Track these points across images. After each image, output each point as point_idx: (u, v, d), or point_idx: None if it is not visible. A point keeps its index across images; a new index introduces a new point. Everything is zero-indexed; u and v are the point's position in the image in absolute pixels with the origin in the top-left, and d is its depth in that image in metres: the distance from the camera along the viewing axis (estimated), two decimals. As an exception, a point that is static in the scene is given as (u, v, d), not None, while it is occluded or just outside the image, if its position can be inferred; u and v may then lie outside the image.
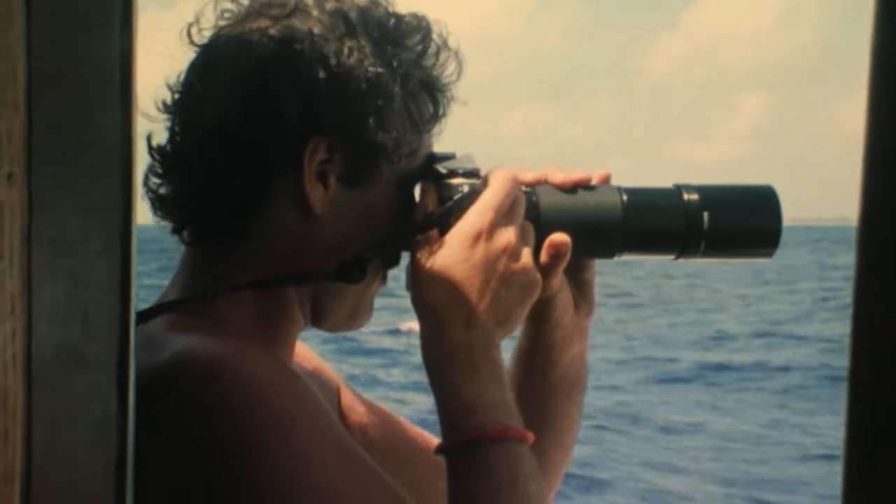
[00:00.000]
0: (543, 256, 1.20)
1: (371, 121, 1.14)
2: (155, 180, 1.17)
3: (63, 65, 0.68)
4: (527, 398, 1.24)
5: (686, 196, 1.25)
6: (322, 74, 1.12)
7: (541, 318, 1.28)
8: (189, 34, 1.17)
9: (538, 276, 1.18)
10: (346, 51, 1.13)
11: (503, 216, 1.16)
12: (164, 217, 1.18)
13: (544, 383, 1.32)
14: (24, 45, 0.67)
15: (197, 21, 1.17)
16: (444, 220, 1.17)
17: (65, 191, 0.69)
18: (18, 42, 0.67)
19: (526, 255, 1.17)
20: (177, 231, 1.18)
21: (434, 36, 1.20)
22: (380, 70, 1.14)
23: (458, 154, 1.22)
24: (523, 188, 1.22)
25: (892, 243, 0.54)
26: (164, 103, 1.17)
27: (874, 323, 0.55)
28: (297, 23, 1.14)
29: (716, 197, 1.25)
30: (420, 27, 1.19)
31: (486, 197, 1.16)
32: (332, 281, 1.17)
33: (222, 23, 1.17)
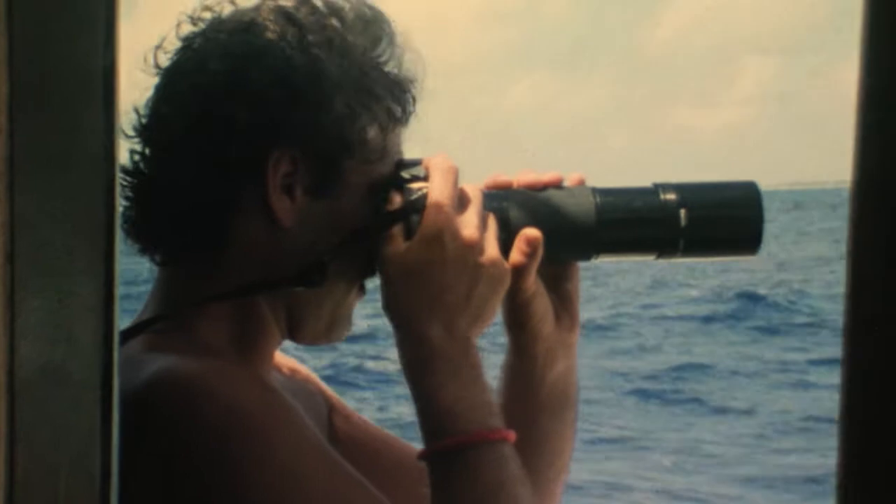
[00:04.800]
0: (515, 253, 1.19)
1: (332, 130, 1.14)
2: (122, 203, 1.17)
3: (46, 83, 0.68)
4: (515, 419, 1.23)
5: (663, 195, 1.22)
6: (279, 87, 1.12)
7: (518, 326, 1.26)
8: (155, 58, 1.18)
9: (506, 265, 1.17)
10: (302, 62, 1.13)
11: (458, 207, 1.15)
12: (133, 239, 1.18)
13: (531, 403, 1.30)
14: (7, 64, 0.67)
15: (161, 45, 1.18)
16: (404, 218, 1.16)
17: (48, 208, 0.69)
18: (1, 63, 0.67)
19: (491, 246, 1.16)
20: (144, 251, 1.18)
21: (394, 36, 1.19)
22: (337, 78, 1.14)
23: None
24: (492, 191, 1.21)
25: (886, 212, 0.53)
26: (133, 126, 1.17)
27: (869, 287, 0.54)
28: (253, 37, 1.15)
29: (693, 194, 1.23)
30: (378, 28, 1.19)
31: (435, 194, 1.15)
32: (293, 287, 1.16)
33: (184, 44, 1.18)
